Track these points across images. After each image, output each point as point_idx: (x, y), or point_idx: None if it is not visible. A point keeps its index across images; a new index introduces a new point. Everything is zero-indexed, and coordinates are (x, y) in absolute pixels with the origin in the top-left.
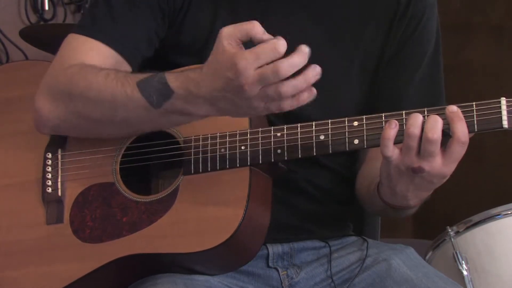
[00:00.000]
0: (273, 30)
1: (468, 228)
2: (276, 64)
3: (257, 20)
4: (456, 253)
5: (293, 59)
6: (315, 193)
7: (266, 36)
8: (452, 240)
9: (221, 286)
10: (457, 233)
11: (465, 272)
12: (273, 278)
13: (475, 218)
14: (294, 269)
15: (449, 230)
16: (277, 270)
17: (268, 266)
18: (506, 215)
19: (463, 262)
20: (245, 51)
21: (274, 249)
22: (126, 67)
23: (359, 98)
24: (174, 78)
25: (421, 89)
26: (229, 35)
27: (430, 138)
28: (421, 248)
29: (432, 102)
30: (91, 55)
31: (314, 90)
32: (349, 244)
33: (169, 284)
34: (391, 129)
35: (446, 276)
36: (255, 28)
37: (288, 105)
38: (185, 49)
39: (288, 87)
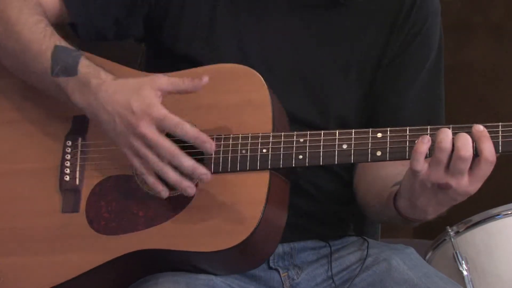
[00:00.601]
0: (271, 28)
1: (468, 228)
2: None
3: (254, 17)
4: (456, 253)
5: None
6: (316, 194)
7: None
8: (452, 240)
9: (223, 286)
10: (457, 233)
11: (465, 272)
12: (274, 279)
13: (475, 218)
14: (295, 270)
15: (449, 230)
16: (278, 272)
17: (269, 267)
18: (506, 215)
19: (463, 262)
20: (168, 113)
21: None
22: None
23: (357, 101)
24: (86, 65)
25: (421, 93)
26: (163, 87)
27: (463, 156)
28: (421, 248)
29: (431, 107)
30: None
31: (165, 194)
32: (350, 244)
33: (171, 283)
34: (424, 144)
35: (446, 276)
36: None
37: (149, 181)
38: (187, 39)
39: (167, 172)
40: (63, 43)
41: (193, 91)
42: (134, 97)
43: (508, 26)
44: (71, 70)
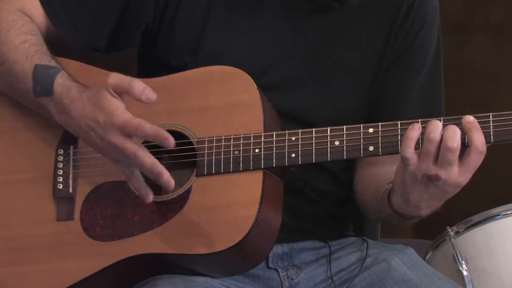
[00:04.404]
0: (265, 32)
1: (468, 228)
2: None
3: (249, 21)
4: (456, 253)
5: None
6: (314, 195)
7: (143, 96)
8: (452, 240)
9: (221, 287)
10: (457, 233)
11: (465, 272)
12: (273, 279)
13: (475, 218)
14: (294, 270)
15: (449, 230)
16: (277, 271)
17: (268, 267)
18: (506, 215)
19: (463, 262)
20: (127, 119)
21: (274, 249)
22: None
23: (354, 104)
24: (61, 83)
25: (421, 95)
26: (115, 84)
27: (450, 146)
28: (421, 248)
29: (431, 108)
30: (30, 12)
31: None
32: (349, 245)
33: (169, 285)
34: (415, 130)
35: (446, 276)
36: (135, 90)
37: (134, 185)
38: (177, 49)
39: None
40: (44, 60)
41: (143, 101)
42: (98, 110)
43: (508, 26)
44: (48, 90)
